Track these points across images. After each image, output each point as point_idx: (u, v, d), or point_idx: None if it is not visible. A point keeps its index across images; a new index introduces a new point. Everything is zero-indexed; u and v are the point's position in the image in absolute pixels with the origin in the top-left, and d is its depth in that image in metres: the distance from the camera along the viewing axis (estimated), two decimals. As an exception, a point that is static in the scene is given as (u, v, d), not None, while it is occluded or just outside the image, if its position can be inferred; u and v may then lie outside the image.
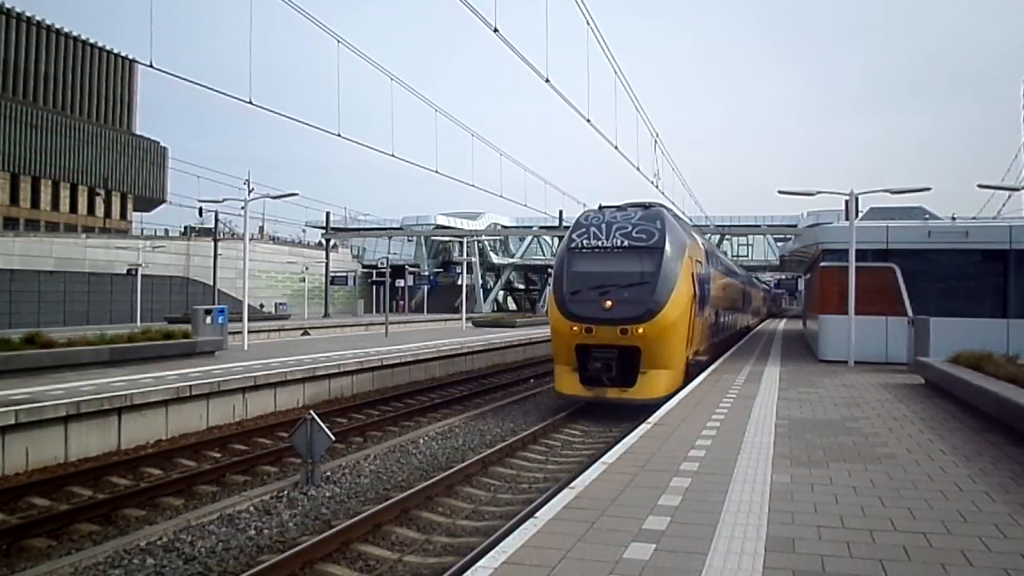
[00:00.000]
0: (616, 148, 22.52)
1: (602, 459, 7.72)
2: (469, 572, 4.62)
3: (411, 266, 64.19)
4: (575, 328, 14.60)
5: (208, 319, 21.03)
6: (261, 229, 72.61)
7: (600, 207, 16.26)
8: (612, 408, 15.18)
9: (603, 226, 15.38)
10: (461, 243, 54.97)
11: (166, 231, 68.17)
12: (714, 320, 20.18)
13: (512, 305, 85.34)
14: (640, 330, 14.10)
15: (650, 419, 10.15)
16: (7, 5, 72.79)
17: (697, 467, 7.38)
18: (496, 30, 13.51)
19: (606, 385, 14.55)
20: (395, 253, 76.63)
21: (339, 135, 18.59)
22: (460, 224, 74.35)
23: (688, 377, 15.40)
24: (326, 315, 60.15)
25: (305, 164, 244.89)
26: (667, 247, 14.71)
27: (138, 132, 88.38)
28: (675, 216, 17.21)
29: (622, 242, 15.03)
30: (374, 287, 63.09)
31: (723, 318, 23.27)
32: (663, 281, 14.36)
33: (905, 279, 18.85)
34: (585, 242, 15.36)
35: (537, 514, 5.80)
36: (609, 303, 14.38)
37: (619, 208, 16.00)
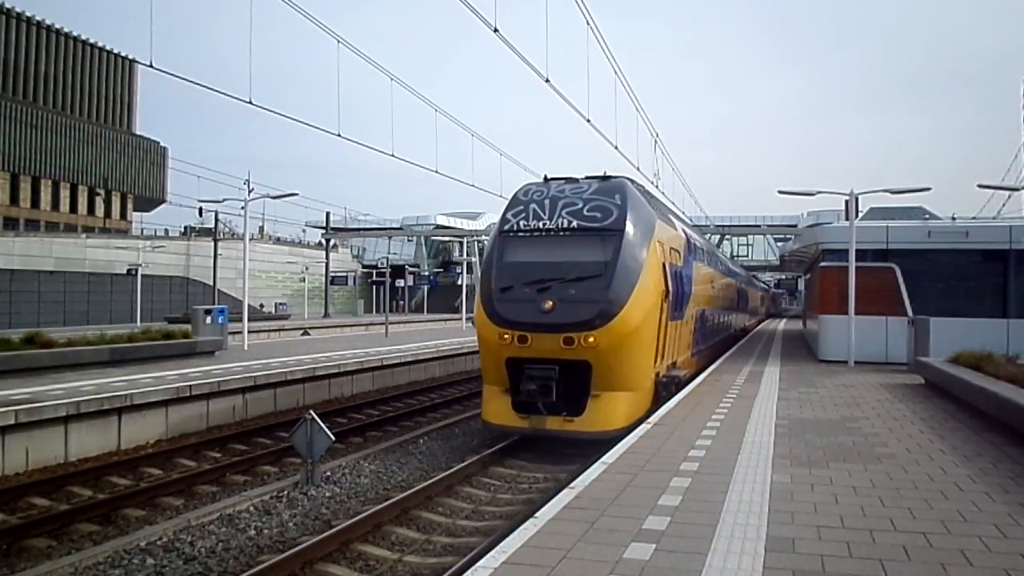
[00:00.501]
0: (616, 148, 22.50)
1: (602, 459, 7.72)
2: (469, 572, 4.62)
3: (411, 266, 64.29)
4: (506, 336, 11.24)
5: (208, 319, 21.03)
6: (261, 229, 72.69)
7: (546, 178, 13.03)
8: (560, 442, 11.75)
9: (546, 203, 12.14)
10: (461, 243, 55.01)
11: (166, 231, 68.25)
12: (699, 323, 17.25)
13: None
14: (590, 339, 10.79)
15: (650, 419, 10.15)
16: (7, 5, 72.79)
17: (697, 467, 7.38)
18: (496, 30, 13.50)
19: (545, 412, 11.22)
20: (395, 253, 76.75)
21: (339, 135, 18.58)
22: (460, 224, 74.37)
23: (659, 399, 12.23)
24: (326, 315, 60.19)
25: (305, 164, 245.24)
26: (629, 230, 11.54)
27: (138, 132, 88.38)
28: (645, 193, 13.90)
29: (570, 223, 11.82)
30: (374, 287, 63.17)
31: (712, 320, 20.00)
32: (622, 274, 11.16)
33: (905, 279, 18.84)
34: (522, 223, 12.12)
35: (537, 514, 5.81)
36: (549, 304, 11.03)
37: (569, 180, 12.79)
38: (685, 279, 14.59)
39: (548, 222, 11.96)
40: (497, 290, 11.61)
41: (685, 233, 16.26)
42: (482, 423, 12.24)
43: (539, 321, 11.07)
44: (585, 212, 11.87)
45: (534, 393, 10.99)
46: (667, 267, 12.67)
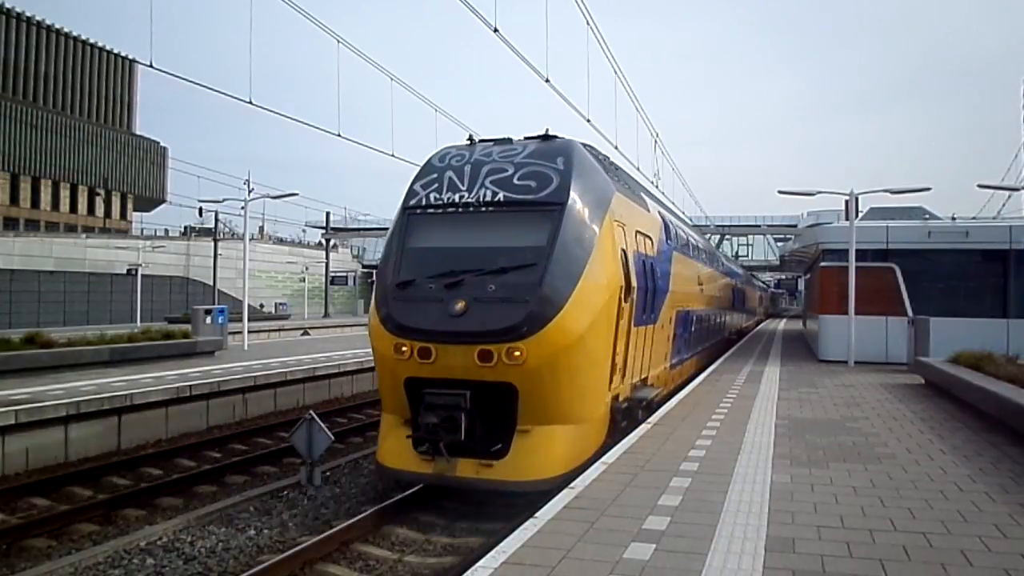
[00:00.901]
0: (616, 148, 22.48)
1: (602, 459, 7.72)
2: (469, 572, 4.62)
3: (411, 266, 64.05)
4: (403, 349, 8.45)
5: (208, 319, 21.04)
6: (261, 229, 72.68)
7: (471, 139, 10.24)
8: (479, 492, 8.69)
9: (465, 169, 9.40)
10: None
11: (166, 231, 68.30)
12: (681, 328, 14.66)
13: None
14: (516, 352, 8.03)
15: (650, 419, 10.14)
16: (7, 5, 72.80)
17: (697, 467, 7.38)
18: (496, 30, 13.50)
19: (453, 453, 8.27)
20: (395, 253, 76.49)
21: (339, 135, 18.56)
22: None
23: (616, 431, 9.53)
24: (326, 315, 60.19)
25: (305, 164, 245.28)
26: (574, 204, 8.80)
27: (138, 132, 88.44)
28: (602, 159, 10.81)
29: (494, 195, 9.00)
30: (374, 287, 63.11)
31: (699, 323, 17.40)
32: (562, 263, 8.41)
33: (905, 279, 18.86)
34: (433, 196, 9.31)
35: (537, 514, 5.80)
36: (461, 305, 8.27)
37: (499, 141, 9.93)
38: (660, 273, 11.93)
39: (466, 194, 9.12)
40: (393, 286, 8.84)
41: (662, 217, 13.53)
42: (376, 467, 9.37)
43: (447, 328, 8.26)
44: (516, 181, 9.03)
45: (435, 428, 8.14)
46: (631, 256, 9.92)
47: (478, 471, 8.28)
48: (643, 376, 11.34)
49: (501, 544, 5.13)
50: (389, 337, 8.63)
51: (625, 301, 9.48)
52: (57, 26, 79.14)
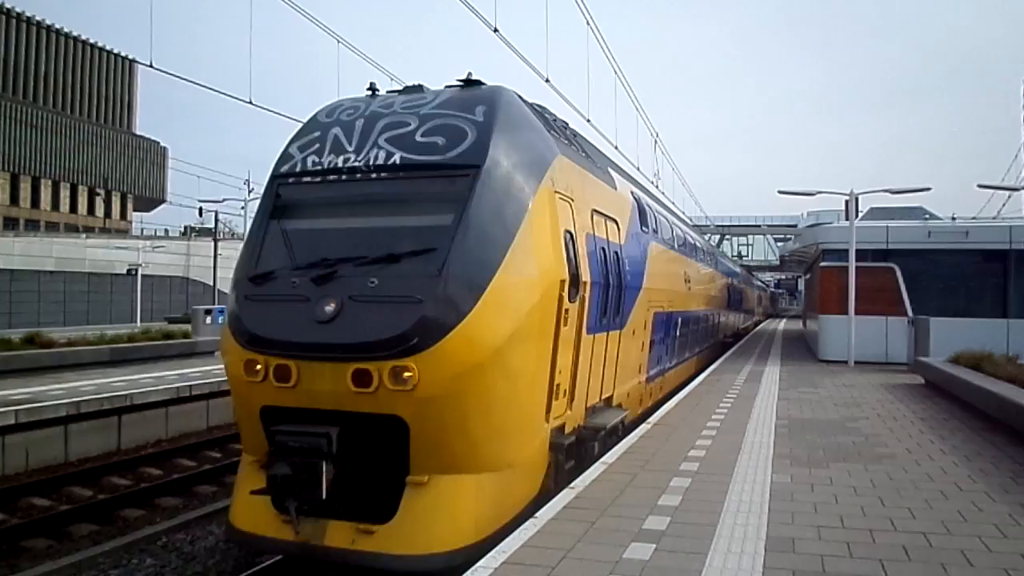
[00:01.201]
0: (616, 148, 22.49)
1: (602, 459, 7.71)
2: (469, 572, 4.62)
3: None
4: (258, 367, 6.26)
5: (208, 319, 21.07)
6: (261, 229, 72.59)
7: (372, 89, 7.84)
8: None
9: (357, 124, 7.11)
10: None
11: (166, 231, 68.42)
12: (663, 332, 12.66)
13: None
14: (405, 373, 5.86)
15: (650, 419, 10.14)
16: (7, 5, 72.83)
17: (697, 467, 7.37)
18: (496, 30, 13.49)
19: (317, 514, 6.06)
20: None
21: (339, 135, 18.53)
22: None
23: (561, 474, 7.17)
24: (326, 315, 60.09)
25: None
26: (494, 168, 6.55)
27: (138, 132, 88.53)
28: (546, 116, 8.39)
29: (389, 157, 6.75)
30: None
31: (686, 326, 15.43)
32: (472, 248, 6.21)
33: (905, 279, 18.87)
34: (311, 160, 7.05)
35: (537, 514, 5.80)
36: (331, 306, 6.10)
37: (407, 90, 7.73)
38: (630, 265, 9.85)
39: (353, 157, 6.82)
40: (247, 281, 6.65)
41: (636, 199, 11.21)
42: (225, 527, 7.16)
43: (311, 339, 6.05)
44: (419, 138, 6.73)
45: (287, 481, 5.85)
46: (582, 241, 7.65)
47: (354, 540, 5.90)
48: (605, 395, 9.11)
49: (501, 544, 5.12)
50: (238, 350, 6.35)
51: (571, 299, 7.10)
52: (57, 26, 79.21)
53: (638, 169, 24.75)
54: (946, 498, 6.36)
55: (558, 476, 7.13)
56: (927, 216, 25.36)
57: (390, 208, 6.73)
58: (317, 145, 7.09)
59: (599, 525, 5.52)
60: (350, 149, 6.91)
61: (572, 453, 7.58)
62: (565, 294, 6.95)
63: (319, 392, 6.09)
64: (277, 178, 7.15)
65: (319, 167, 6.96)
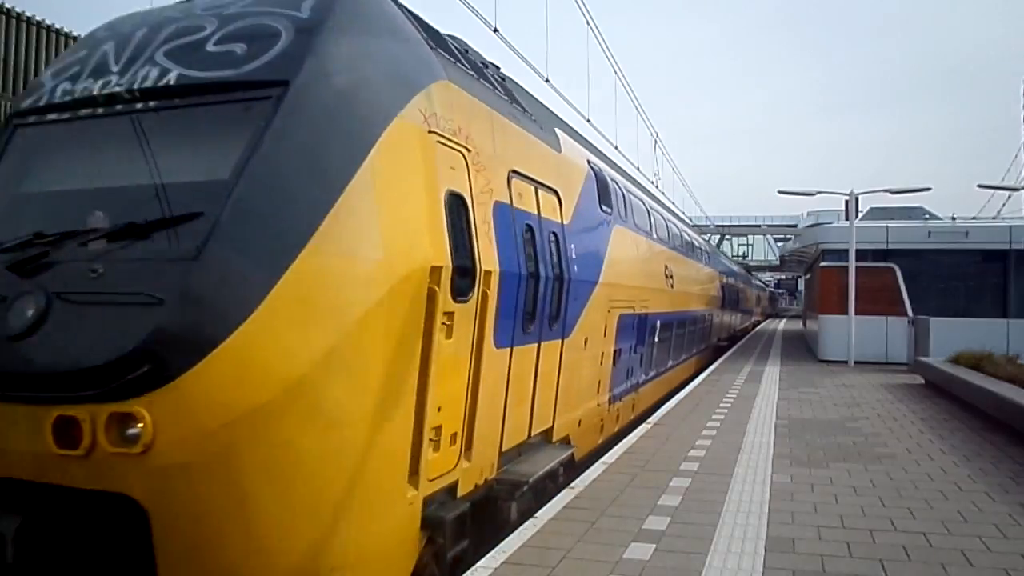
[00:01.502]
0: (616, 148, 22.49)
1: (602, 459, 7.72)
2: (469, 572, 4.62)
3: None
4: None
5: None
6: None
7: None
8: None
9: (135, 36, 4.95)
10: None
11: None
12: (631, 338, 10.33)
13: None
14: (133, 423, 3.61)
15: (650, 419, 10.14)
16: (7, 5, 72.96)
17: (697, 467, 7.37)
18: (496, 30, 13.49)
19: None
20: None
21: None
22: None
23: (442, 563, 4.94)
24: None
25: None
26: (312, 84, 4.34)
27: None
28: (426, 26, 5.91)
29: (162, 77, 4.58)
30: None
31: (667, 330, 13.12)
32: (257, 211, 3.97)
33: (905, 279, 18.89)
34: (60, 89, 4.93)
35: (537, 514, 5.80)
36: (30, 311, 3.84)
37: None
38: (579, 254, 7.68)
39: (114, 79, 4.75)
40: None
41: (593, 169, 8.96)
42: None
43: None
44: (211, 47, 4.65)
45: None
46: (484, 211, 5.52)
47: None
48: (540, 429, 6.95)
49: (501, 544, 5.12)
50: None
51: (457, 297, 4.97)
52: (57, 26, 79.20)
53: (638, 169, 24.77)
54: (946, 498, 6.37)
55: (440, 567, 4.92)
56: (927, 216, 25.37)
57: (152, 154, 4.47)
58: (76, 68, 5.00)
59: (599, 525, 5.52)
60: (114, 70, 4.79)
61: (469, 527, 5.33)
62: (442, 289, 4.69)
63: (4, 453, 3.93)
64: (15, 117, 5.15)
65: (68, 98, 4.86)
